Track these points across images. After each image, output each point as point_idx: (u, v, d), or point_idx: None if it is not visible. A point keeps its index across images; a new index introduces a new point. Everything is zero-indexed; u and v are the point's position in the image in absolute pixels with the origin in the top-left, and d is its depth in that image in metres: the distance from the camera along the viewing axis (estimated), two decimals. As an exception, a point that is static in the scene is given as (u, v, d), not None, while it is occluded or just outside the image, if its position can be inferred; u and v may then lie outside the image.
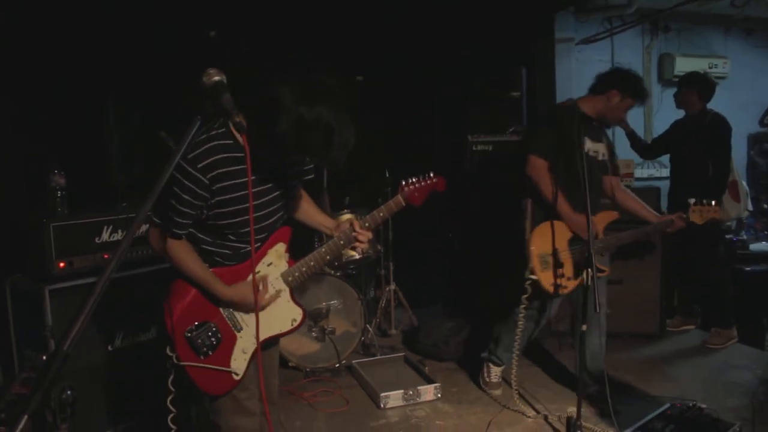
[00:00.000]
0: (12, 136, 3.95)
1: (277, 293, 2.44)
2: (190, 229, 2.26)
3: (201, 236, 2.30)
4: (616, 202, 3.89)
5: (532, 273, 3.61)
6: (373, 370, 4.38)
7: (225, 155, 2.13)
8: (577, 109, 3.50)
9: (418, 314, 5.49)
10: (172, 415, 2.38)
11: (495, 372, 4.15)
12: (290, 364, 4.42)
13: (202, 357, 2.28)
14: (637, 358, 4.73)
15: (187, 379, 2.31)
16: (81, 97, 4.34)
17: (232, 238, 2.30)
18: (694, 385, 4.17)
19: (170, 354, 2.28)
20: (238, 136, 2.15)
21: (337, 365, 4.48)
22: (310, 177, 2.58)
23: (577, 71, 6.30)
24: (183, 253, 2.24)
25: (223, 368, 2.32)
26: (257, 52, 4.92)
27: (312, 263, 2.48)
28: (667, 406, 3.42)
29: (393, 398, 3.93)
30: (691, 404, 3.40)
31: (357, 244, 2.51)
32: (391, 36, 5.49)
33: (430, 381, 4.14)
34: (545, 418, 3.75)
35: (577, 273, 3.63)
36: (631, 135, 5.41)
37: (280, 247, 2.44)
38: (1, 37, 3.89)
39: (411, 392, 3.96)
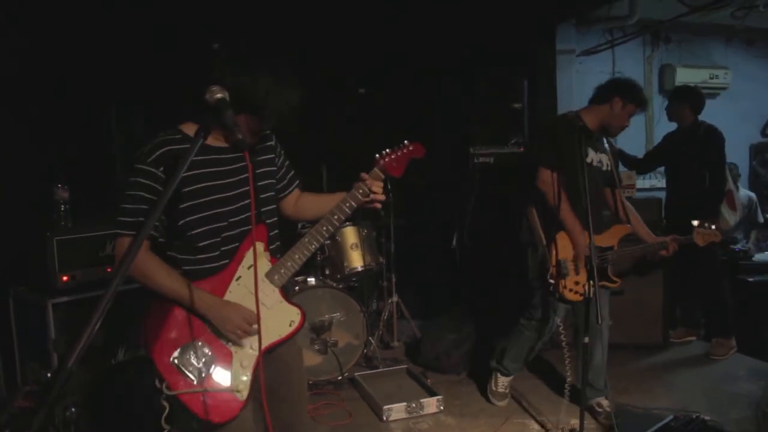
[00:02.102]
0: (15, 149, 3.98)
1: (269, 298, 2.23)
2: (169, 253, 2.13)
3: (182, 257, 2.13)
4: (619, 216, 3.90)
5: (552, 277, 3.65)
6: (376, 383, 4.38)
7: (172, 147, 2.04)
8: (577, 121, 3.54)
9: (421, 326, 5.48)
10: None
11: (503, 382, 4.14)
12: (293, 376, 4.41)
13: (196, 381, 2.03)
14: (640, 369, 4.72)
15: (184, 411, 2.03)
16: (83, 108, 4.37)
17: (206, 243, 2.12)
18: (697, 396, 4.16)
19: (159, 386, 2.01)
20: (210, 142, 2.12)
21: (340, 378, 4.47)
22: (296, 185, 2.52)
23: (578, 82, 6.33)
24: (148, 261, 2.03)
25: (224, 389, 2.07)
26: (257, 53, 4.94)
27: (297, 256, 2.25)
28: (670, 417, 3.41)
29: (396, 411, 3.92)
30: (694, 416, 3.39)
31: (373, 202, 2.35)
32: (392, 45, 5.52)
33: (432, 393, 4.13)
34: (549, 430, 3.74)
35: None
36: (620, 154, 5.46)
37: (258, 246, 2.20)
38: (1, 44, 3.93)
39: (414, 405, 3.95)
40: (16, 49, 4.02)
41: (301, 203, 2.52)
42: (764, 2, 5.55)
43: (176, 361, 2.02)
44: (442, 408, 4.03)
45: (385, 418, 3.89)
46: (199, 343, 2.07)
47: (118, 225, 2.03)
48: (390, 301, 5.40)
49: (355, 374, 4.49)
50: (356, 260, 4.77)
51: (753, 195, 6.58)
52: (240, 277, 2.17)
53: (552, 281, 3.64)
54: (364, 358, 4.82)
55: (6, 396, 3.66)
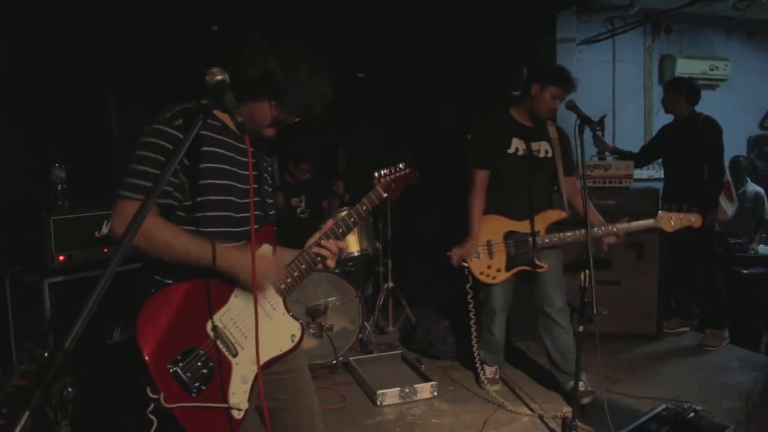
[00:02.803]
0: (13, 128, 3.96)
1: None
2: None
3: None
4: (569, 203, 3.93)
5: (464, 261, 3.86)
6: (370, 368, 4.40)
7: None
8: (578, 111, 3.55)
9: (416, 312, 5.50)
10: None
11: (489, 371, 4.22)
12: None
13: (194, 394, 1.81)
14: (634, 358, 4.74)
15: (175, 426, 1.79)
16: (82, 89, 4.35)
17: (214, 230, 1.94)
18: (689, 386, 4.19)
19: (153, 396, 1.75)
20: (230, 125, 1.99)
21: (335, 362, 4.49)
22: (272, 213, 2.28)
23: (578, 71, 6.25)
24: (154, 221, 1.82)
25: (222, 405, 1.88)
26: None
27: (304, 266, 2.11)
28: (662, 407, 3.43)
29: (389, 396, 3.95)
30: (686, 406, 3.41)
31: (324, 263, 2.14)
32: (392, 34, 5.48)
33: (426, 379, 4.16)
34: (541, 417, 3.76)
35: (509, 266, 3.84)
36: (615, 151, 5.52)
37: (266, 249, 2.05)
38: (2, 29, 3.90)
39: (407, 390, 3.97)
40: (16, 31, 3.99)
41: None
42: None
43: (175, 368, 1.80)
44: (435, 394, 4.05)
45: (378, 403, 3.92)
46: (201, 352, 1.86)
47: (127, 187, 1.82)
48: (386, 286, 5.42)
49: (350, 359, 4.51)
50: (353, 245, 4.77)
51: (761, 190, 6.48)
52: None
53: (465, 264, 3.86)
54: (359, 343, 4.84)
55: (1, 375, 3.66)
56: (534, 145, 3.88)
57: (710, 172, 4.88)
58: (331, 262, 2.14)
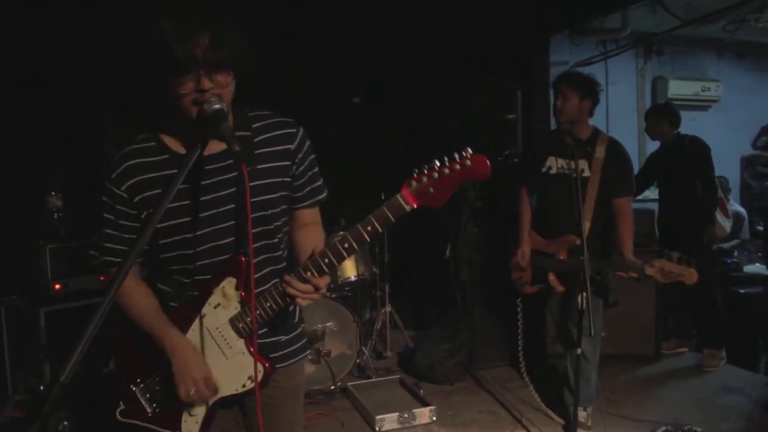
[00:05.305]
0: (8, 157, 3.97)
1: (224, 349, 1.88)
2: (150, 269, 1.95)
3: (157, 274, 1.94)
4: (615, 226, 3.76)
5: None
6: (369, 393, 4.37)
7: (139, 161, 1.80)
8: (572, 134, 3.57)
9: (414, 336, 5.48)
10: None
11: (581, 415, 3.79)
12: (285, 386, 4.40)
13: (150, 414, 1.93)
14: (633, 380, 4.73)
15: None
16: (78, 116, 4.36)
17: (177, 268, 1.87)
18: (689, 408, 4.17)
19: (123, 406, 1.96)
20: (172, 141, 1.83)
21: (333, 387, 4.46)
22: (320, 197, 2.04)
23: (571, 94, 6.35)
24: (132, 291, 1.87)
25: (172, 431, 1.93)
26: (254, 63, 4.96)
27: (269, 303, 1.80)
28: (661, 429, 3.42)
29: (388, 421, 3.92)
30: (686, 428, 3.40)
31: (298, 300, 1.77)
32: (387, 55, 5.53)
33: (425, 404, 4.13)
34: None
35: (533, 281, 3.87)
36: None
37: (229, 284, 1.84)
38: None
39: (406, 415, 3.95)
40: (12, 57, 4.01)
41: (303, 234, 2.02)
42: (755, 16, 5.62)
43: (135, 389, 1.95)
44: (434, 418, 4.02)
45: (377, 429, 3.89)
46: (157, 379, 1.92)
47: (93, 246, 1.93)
48: (383, 311, 5.40)
49: (348, 384, 4.48)
50: (350, 270, 4.77)
51: (742, 210, 6.58)
52: (205, 315, 1.87)
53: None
54: (357, 368, 4.81)
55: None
56: (573, 163, 3.50)
57: (704, 190, 4.94)
58: (303, 302, 1.79)
